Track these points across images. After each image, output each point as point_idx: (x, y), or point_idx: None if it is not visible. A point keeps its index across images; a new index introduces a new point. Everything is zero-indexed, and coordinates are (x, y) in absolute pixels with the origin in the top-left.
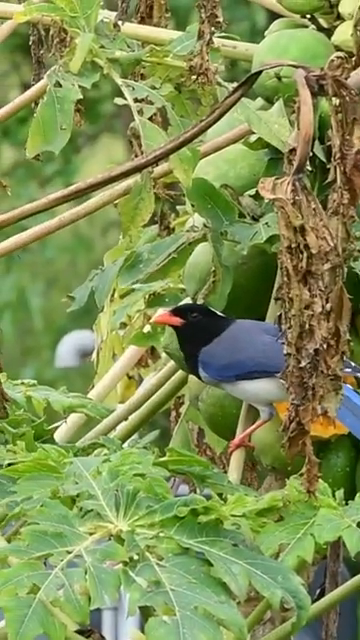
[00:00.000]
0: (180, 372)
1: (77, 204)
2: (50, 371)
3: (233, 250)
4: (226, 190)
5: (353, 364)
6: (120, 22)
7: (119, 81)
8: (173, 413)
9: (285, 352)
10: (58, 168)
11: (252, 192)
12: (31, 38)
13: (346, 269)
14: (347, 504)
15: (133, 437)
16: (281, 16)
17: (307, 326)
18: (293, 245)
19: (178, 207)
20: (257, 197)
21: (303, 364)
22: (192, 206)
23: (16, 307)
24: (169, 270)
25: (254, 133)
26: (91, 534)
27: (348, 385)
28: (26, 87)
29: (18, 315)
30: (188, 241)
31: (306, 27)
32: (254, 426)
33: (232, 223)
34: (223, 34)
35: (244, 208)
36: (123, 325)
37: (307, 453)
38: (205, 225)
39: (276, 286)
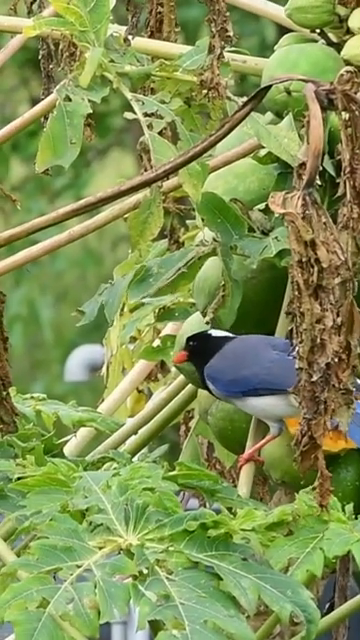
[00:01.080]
0: (189, 386)
1: (87, 218)
2: (60, 385)
3: (242, 264)
4: (236, 204)
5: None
6: (130, 36)
7: (129, 95)
8: (183, 427)
9: (297, 366)
10: (68, 182)
11: (262, 206)
12: (41, 52)
13: (357, 283)
14: (356, 518)
15: (143, 451)
16: (291, 30)
17: (318, 340)
18: (304, 259)
19: (187, 221)
20: (267, 211)
21: (315, 378)
22: (202, 220)
23: (26, 320)
24: (179, 284)
25: (263, 147)
26: (101, 548)
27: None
28: (35, 102)
29: (28, 328)
30: (197, 255)
31: (316, 41)
32: (263, 441)
33: (242, 237)
34: (233, 49)
35: (254, 222)
36: (133, 339)
37: (319, 467)
38: (215, 239)
39: (286, 300)
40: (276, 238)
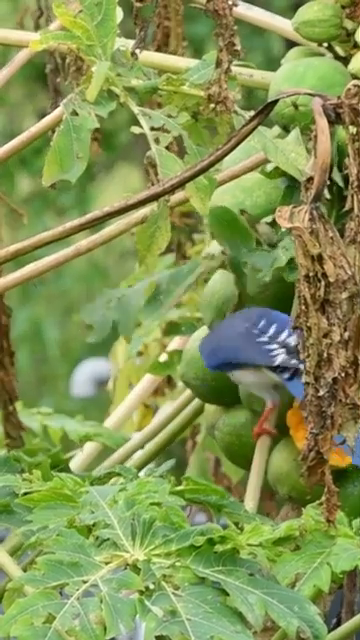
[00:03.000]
0: (196, 401)
1: (93, 232)
2: (67, 402)
3: (251, 278)
4: (243, 215)
5: None
6: (137, 50)
7: (136, 110)
8: (189, 442)
9: (304, 381)
10: (74, 197)
11: (268, 219)
12: (48, 66)
13: None
14: None
15: (149, 466)
16: (298, 44)
17: (325, 355)
18: (311, 274)
19: (195, 235)
20: (273, 224)
21: (322, 393)
22: (212, 233)
23: (32, 338)
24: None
25: (270, 161)
26: (107, 563)
27: None
28: (41, 116)
29: (35, 346)
30: (207, 270)
31: (323, 55)
32: (265, 415)
33: (251, 251)
34: (240, 62)
35: (260, 235)
36: (139, 354)
37: (326, 482)
38: (223, 252)
39: (293, 314)
40: (284, 248)
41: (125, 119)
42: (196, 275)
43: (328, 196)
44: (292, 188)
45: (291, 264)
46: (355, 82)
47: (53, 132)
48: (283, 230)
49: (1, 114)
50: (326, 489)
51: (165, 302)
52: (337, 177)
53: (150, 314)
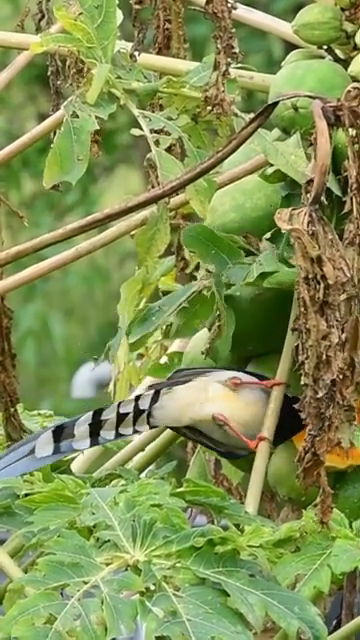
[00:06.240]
0: None
1: (94, 234)
2: (67, 403)
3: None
4: (246, 237)
5: None
6: (137, 53)
7: (136, 112)
8: (190, 444)
9: (302, 383)
10: (74, 199)
11: (268, 235)
12: (49, 69)
13: None
14: None
15: (150, 468)
16: (298, 47)
17: (324, 357)
18: (310, 276)
19: None
20: (274, 239)
21: (320, 395)
22: (191, 253)
23: (38, 336)
24: (192, 324)
25: (270, 164)
26: (108, 564)
27: None
28: (43, 118)
29: (40, 344)
30: (199, 289)
31: (323, 58)
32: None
33: (234, 265)
34: (240, 65)
35: (262, 251)
36: (140, 356)
37: (322, 484)
38: (208, 271)
39: (292, 317)
40: (259, 262)
41: (125, 121)
42: (189, 294)
43: (327, 200)
44: (292, 191)
45: (263, 276)
46: (355, 85)
47: (55, 134)
48: (283, 245)
49: (2, 116)
50: (321, 491)
51: (157, 322)
52: (333, 182)
53: (138, 334)
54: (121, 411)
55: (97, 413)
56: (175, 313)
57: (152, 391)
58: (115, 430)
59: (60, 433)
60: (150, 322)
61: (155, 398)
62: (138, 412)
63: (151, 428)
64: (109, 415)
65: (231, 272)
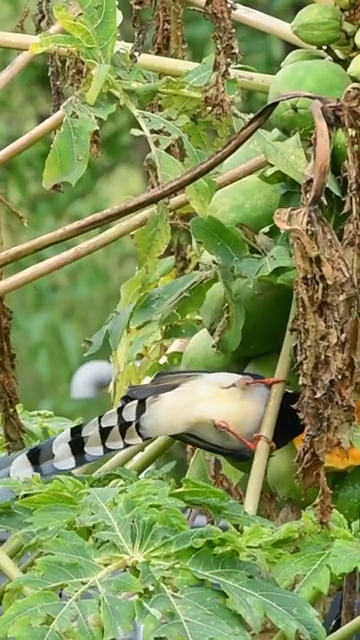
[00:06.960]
0: None
1: (94, 235)
2: (67, 403)
3: (246, 283)
4: (242, 229)
5: None
6: (136, 53)
7: (136, 112)
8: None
9: (301, 383)
10: (78, 203)
11: (266, 229)
12: (50, 69)
13: None
14: None
15: (149, 468)
16: (297, 47)
17: (323, 357)
18: (309, 276)
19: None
20: (272, 234)
21: (318, 395)
22: (198, 243)
23: (50, 345)
24: (186, 310)
25: (270, 164)
26: (106, 565)
27: None
28: (42, 119)
29: (52, 352)
30: (200, 280)
31: (322, 58)
32: None
33: (241, 259)
34: (240, 65)
35: (259, 245)
36: (140, 356)
37: (321, 484)
38: (214, 262)
39: (291, 317)
40: (272, 257)
41: (125, 122)
42: (189, 284)
43: (327, 200)
44: (291, 193)
45: (278, 271)
46: (354, 85)
47: (55, 134)
48: (281, 240)
49: (2, 117)
50: (320, 491)
51: (157, 309)
52: (332, 182)
53: (139, 319)
54: (103, 425)
55: (75, 430)
56: (175, 302)
57: (136, 401)
58: (102, 445)
59: (37, 455)
60: (150, 309)
61: (141, 408)
62: (124, 424)
63: (144, 440)
64: (90, 431)
65: (242, 265)
